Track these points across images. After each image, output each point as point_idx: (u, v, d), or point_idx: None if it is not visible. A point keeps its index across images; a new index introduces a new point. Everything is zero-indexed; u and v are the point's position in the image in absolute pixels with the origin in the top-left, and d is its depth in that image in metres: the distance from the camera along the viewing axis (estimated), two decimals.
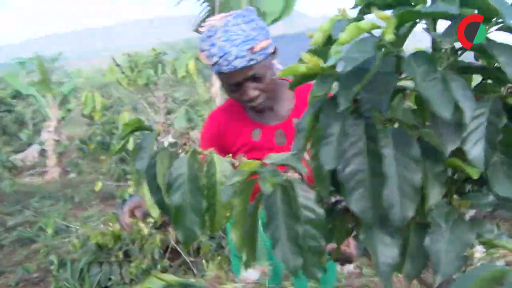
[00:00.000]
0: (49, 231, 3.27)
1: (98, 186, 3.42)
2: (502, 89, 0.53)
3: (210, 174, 0.65)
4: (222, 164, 0.64)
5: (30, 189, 5.51)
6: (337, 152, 0.48)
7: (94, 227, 3.11)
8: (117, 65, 4.28)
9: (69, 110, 6.98)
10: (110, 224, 2.85)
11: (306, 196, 0.51)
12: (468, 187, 0.59)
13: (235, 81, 1.15)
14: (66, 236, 3.21)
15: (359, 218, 0.55)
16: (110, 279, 2.66)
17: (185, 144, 0.67)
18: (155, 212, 0.67)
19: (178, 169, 0.64)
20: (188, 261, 2.78)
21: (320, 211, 0.51)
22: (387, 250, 0.52)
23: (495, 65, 0.55)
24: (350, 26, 0.47)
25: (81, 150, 4.92)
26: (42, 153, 7.11)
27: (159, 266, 2.70)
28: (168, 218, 0.70)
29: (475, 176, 0.49)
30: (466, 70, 0.57)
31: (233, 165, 0.65)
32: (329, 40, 0.56)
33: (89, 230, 2.90)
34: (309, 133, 0.51)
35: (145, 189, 0.67)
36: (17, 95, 8.35)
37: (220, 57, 1.10)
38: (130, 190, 3.01)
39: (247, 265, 0.58)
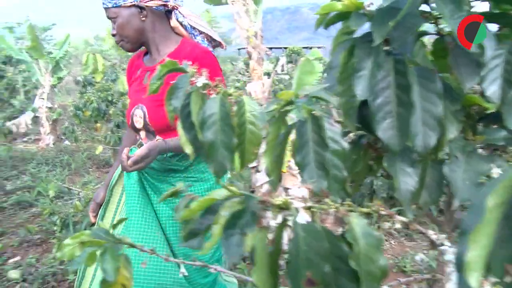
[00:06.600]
0: (51, 193, 3.31)
1: (99, 149, 3.44)
2: None
3: (240, 113, 0.70)
4: (251, 104, 0.68)
5: (26, 156, 5.52)
6: (369, 85, 0.52)
7: (94, 190, 3.16)
8: None
9: (60, 78, 6.88)
10: None
11: (332, 129, 0.56)
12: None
13: (108, 18, 1.37)
14: (68, 198, 3.26)
15: (383, 149, 0.61)
16: None
17: (216, 85, 0.71)
18: (188, 148, 0.71)
19: (210, 108, 0.68)
20: None
21: (344, 143, 0.56)
22: (408, 179, 0.57)
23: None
24: None
25: (77, 116, 4.90)
26: (35, 120, 7.06)
27: None
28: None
29: (492, 108, 0.55)
30: (485, 16, 0.61)
31: (261, 105, 0.69)
32: None
33: (90, 192, 2.94)
34: (343, 69, 0.56)
35: (179, 127, 0.71)
36: (6, 61, 8.16)
37: None
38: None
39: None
